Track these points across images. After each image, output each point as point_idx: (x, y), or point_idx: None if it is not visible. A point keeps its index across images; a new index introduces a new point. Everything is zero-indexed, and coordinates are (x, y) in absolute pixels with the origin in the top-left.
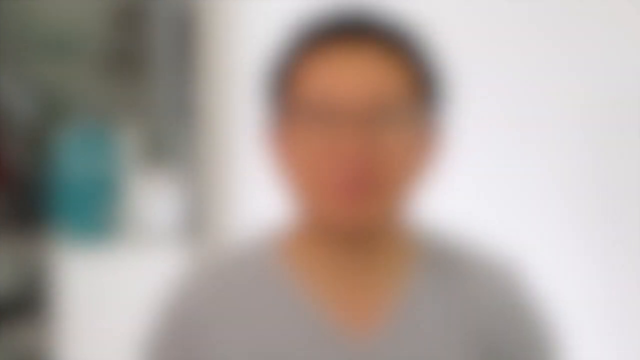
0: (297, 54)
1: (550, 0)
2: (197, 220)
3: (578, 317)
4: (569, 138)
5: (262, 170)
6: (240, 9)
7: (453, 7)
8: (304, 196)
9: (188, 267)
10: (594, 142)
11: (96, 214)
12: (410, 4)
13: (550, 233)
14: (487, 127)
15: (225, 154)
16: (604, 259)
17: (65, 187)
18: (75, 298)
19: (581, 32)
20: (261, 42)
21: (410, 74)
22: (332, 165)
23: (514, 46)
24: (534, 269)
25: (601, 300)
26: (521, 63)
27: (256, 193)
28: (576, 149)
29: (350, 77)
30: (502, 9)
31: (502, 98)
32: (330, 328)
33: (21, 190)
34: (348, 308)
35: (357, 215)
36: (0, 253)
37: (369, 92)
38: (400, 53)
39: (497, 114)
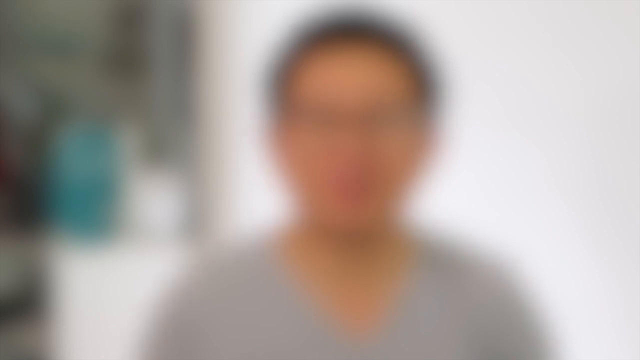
0: (297, 54)
1: (551, 0)
2: (196, 220)
3: (578, 317)
4: (570, 138)
5: (261, 170)
6: (240, 8)
7: (453, 7)
8: (303, 196)
9: (188, 267)
10: (594, 141)
11: (96, 214)
12: (410, 4)
13: (550, 233)
14: (487, 127)
15: (225, 154)
16: (604, 258)
17: (65, 187)
18: (75, 298)
19: (582, 31)
20: (261, 42)
21: (410, 74)
22: (331, 166)
23: (514, 46)
24: (534, 268)
25: (601, 300)
26: (522, 63)
27: (256, 193)
28: (577, 149)
29: (349, 77)
30: (502, 9)
31: (503, 98)
32: (329, 328)
33: (21, 190)
34: (347, 308)
35: (356, 215)
36: (0, 253)
37: (368, 93)
38: (399, 53)
39: (498, 114)
